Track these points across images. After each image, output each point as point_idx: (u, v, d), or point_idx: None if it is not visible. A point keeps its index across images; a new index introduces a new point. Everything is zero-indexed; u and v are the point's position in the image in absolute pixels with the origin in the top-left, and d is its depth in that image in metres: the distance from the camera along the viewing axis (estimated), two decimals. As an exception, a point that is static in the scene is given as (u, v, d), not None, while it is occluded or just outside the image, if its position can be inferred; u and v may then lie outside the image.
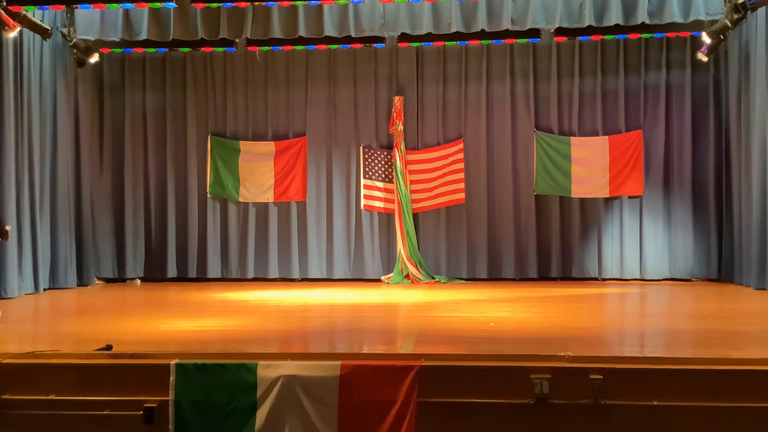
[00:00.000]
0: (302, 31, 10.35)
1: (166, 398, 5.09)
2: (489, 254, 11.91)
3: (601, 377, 4.88)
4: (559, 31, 10.58)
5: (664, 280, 11.60)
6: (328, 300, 9.78)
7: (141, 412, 5.06)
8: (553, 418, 4.91)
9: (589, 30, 10.44)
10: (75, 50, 10.47)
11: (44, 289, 10.41)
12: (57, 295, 10.30)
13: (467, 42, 11.28)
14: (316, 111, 12.22)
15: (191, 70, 12.29)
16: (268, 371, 5.13)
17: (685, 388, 4.89)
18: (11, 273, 9.51)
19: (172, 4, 9.83)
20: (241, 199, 12.21)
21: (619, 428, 4.89)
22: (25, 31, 9.68)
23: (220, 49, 11.56)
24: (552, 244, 11.80)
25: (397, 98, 11.92)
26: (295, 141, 12.21)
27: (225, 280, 12.11)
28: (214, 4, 9.95)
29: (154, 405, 5.07)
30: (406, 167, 11.93)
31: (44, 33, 9.74)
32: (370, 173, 12.10)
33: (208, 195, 12.22)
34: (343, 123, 12.23)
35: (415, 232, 11.91)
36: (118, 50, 11.53)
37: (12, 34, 9.21)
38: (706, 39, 9.76)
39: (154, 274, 12.17)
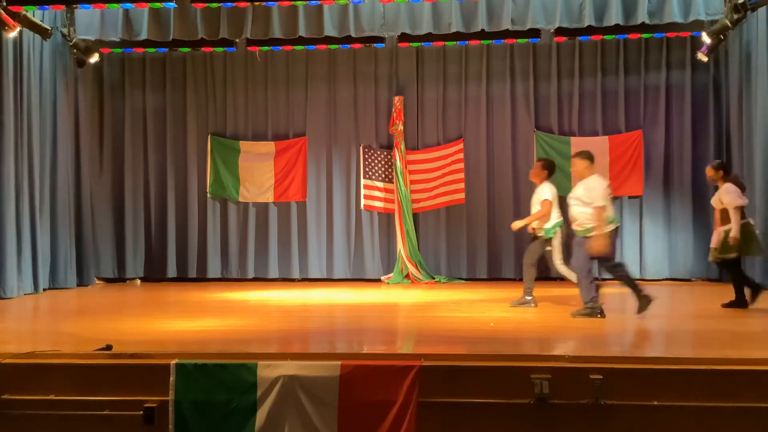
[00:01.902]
0: (302, 31, 10.35)
1: (166, 398, 5.08)
2: (489, 254, 11.92)
3: (601, 377, 4.87)
4: (559, 31, 10.58)
5: (663, 280, 11.59)
6: (328, 300, 9.77)
7: (141, 412, 5.04)
8: (553, 418, 4.91)
9: (589, 30, 10.44)
10: (75, 50, 10.47)
11: (44, 289, 10.41)
12: (57, 295, 10.29)
13: (467, 42, 11.28)
14: (316, 111, 12.22)
15: (191, 70, 12.30)
16: (268, 371, 5.12)
17: (685, 388, 4.87)
18: (11, 273, 9.51)
19: (172, 4, 9.82)
20: (241, 199, 12.21)
21: (619, 428, 4.88)
22: (25, 31, 9.67)
23: (220, 49, 11.57)
24: (552, 244, 11.79)
25: (397, 98, 11.92)
26: (295, 141, 12.20)
27: (225, 280, 12.12)
28: (214, 4, 9.94)
29: (154, 405, 5.06)
30: (406, 167, 11.93)
31: (44, 33, 9.74)
32: (370, 173, 12.09)
33: (208, 195, 12.22)
34: (343, 123, 12.23)
35: (415, 232, 11.91)
36: (118, 50, 11.55)
37: (12, 34, 9.20)
38: (706, 39, 9.75)
39: (154, 274, 12.18)
